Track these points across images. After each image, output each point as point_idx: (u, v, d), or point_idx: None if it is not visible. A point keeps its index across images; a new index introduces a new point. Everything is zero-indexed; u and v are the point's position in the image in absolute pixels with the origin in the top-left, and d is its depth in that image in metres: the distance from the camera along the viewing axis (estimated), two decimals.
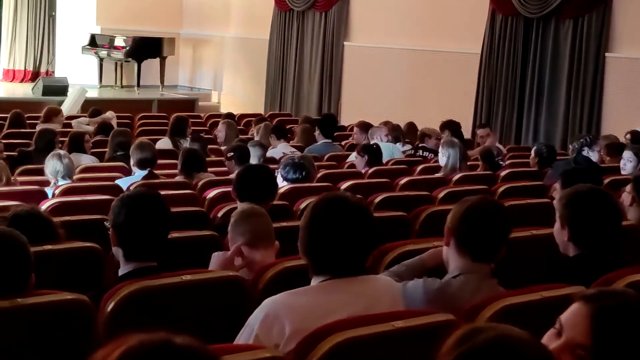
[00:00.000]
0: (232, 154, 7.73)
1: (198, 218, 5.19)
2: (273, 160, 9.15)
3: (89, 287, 3.31)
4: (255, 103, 16.55)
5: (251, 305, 3.12)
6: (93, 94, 15.77)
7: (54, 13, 17.90)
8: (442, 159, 7.48)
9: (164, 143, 9.86)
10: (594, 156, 7.19)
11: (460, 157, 7.38)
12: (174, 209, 5.09)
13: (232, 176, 7.44)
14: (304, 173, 6.70)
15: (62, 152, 7.01)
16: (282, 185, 6.63)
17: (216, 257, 3.57)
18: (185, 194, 6.23)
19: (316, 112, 15.46)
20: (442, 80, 13.86)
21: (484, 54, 13.12)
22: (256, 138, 9.99)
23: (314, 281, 2.88)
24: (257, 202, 4.64)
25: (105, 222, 3.41)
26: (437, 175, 7.36)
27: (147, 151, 7.32)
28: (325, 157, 9.54)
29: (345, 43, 15.33)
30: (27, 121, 11.05)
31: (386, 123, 10.59)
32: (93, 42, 17.29)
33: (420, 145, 9.96)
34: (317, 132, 10.32)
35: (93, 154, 8.78)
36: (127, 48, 16.73)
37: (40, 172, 7.63)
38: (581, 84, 11.98)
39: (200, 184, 6.99)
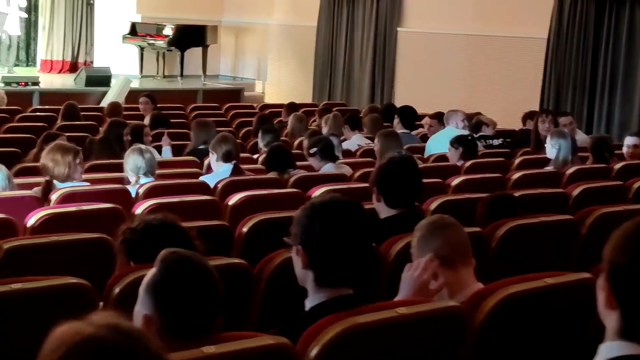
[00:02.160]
0: (314, 149, 7.15)
1: None
2: (349, 153, 8.59)
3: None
4: (302, 93, 15.96)
5: (473, 342, 2.56)
6: (134, 84, 15.22)
7: (92, 2, 17.34)
8: (552, 150, 6.90)
9: None
10: None
11: (572, 149, 6.80)
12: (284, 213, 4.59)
13: (324, 171, 6.92)
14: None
15: (143, 146, 6.45)
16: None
17: (407, 280, 2.94)
18: (288, 193, 5.64)
19: (368, 101, 14.87)
20: (504, 67, 13.25)
21: (551, 39, 12.49)
22: (324, 130, 9.41)
23: None
24: (405, 206, 4.08)
25: (286, 239, 2.76)
26: (547, 169, 6.75)
27: (231, 143, 6.77)
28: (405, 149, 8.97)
29: (398, 29, 14.72)
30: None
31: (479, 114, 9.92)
32: (133, 31, 16.74)
33: (479, 134, 9.36)
34: (396, 122, 9.73)
35: None
36: (170, 37, 16.17)
37: (106, 167, 7.10)
38: None
39: (292, 180, 6.43)
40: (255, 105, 13.34)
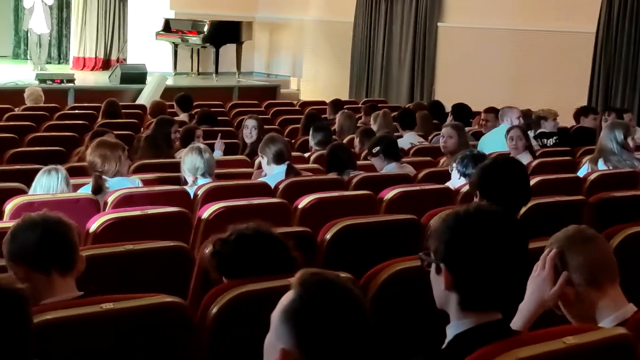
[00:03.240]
0: (377, 148, 6.83)
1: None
2: (402, 152, 8.28)
3: None
4: (338, 90, 15.62)
5: None
6: (168, 82, 14.96)
7: None
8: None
9: None
10: None
11: None
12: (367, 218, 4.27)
13: (386, 171, 6.60)
14: None
15: (202, 145, 6.15)
16: (460, 182, 5.75)
17: (535, 293, 2.63)
18: (358, 195, 5.32)
19: (407, 99, 14.55)
20: (549, 63, 12.88)
21: (599, 33, 12.12)
22: (373, 127, 9.10)
23: None
24: (512, 213, 3.75)
25: (422, 255, 2.37)
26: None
27: (280, 143, 6.43)
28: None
29: (439, 24, 14.39)
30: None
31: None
32: (167, 28, 16.48)
33: (539, 131, 9.01)
34: (449, 119, 9.41)
35: None
36: (205, 33, 15.89)
37: (154, 167, 6.83)
38: None
39: (355, 181, 6.12)
40: (295, 102, 13.03)
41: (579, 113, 9.55)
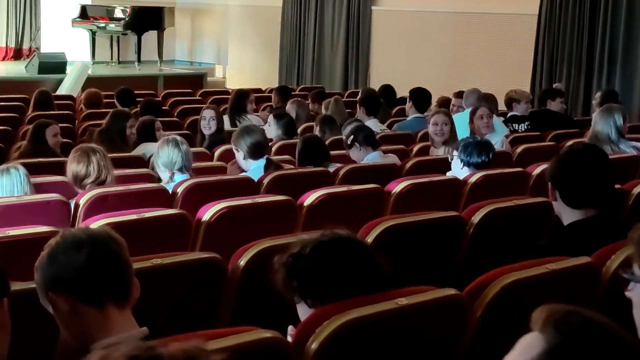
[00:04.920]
0: (354, 137, 6.34)
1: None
2: None
3: None
4: (267, 77, 15.07)
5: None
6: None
7: None
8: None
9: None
10: None
11: None
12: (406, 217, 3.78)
13: (369, 161, 6.11)
14: (490, 155, 5.37)
15: (177, 137, 5.54)
16: (464, 172, 5.31)
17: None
18: (365, 190, 4.81)
19: (341, 85, 14.11)
20: (490, 46, 12.58)
21: (542, 15, 11.85)
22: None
23: None
24: (594, 207, 3.29)
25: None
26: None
27: (257, 134, 5.87)
28: (420, 134, 8.25)
29: (373, 8, 13.95)
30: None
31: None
32: (84, 14, 15.61)
33: (510, 114, 8.66)
34: (408, 105, 8.96)
35: None
36: (126, 19, 15.09)
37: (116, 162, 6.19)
38: None
39: (341, 173, 5.62)
40: (230, 89, 12.41)
41: (546, 96, 9.22)
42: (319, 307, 2.40)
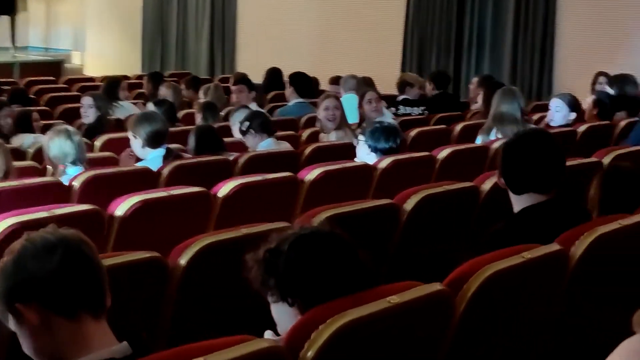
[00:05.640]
0: (250, 124, 6.15)
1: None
2: None
3: None
4: (129, 64, 14.58)
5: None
6: None
7: None
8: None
9: None
10: None
11: None
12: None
13: (264, 148, 5.90)
14: (398, 140, 5.28)
15: (70, 128, 5.20)
16: (371, 158, 5.20)
17: None
18: (280, 178, 4.64)
19: (207, 70, 13.81)
20: (359, 30, 12.56)
21: None
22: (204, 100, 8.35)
23: None
24: (543, 193, 3.22)
25: None
26: None
27: (158, 122, 5.63)
28: (304, 120, 8.12)
29: None
30: None
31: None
32: None
33: (402, 98, 8.65)
34: (289, 91, 8.80)
35: None
36: None
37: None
38: (530, 26, 11.02)
39: (241, 162, 5.42)
40: (96, 77, 11.93)
41: (446, 80, 9.30)
42: (302, 307, 2.22)
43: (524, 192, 3.18)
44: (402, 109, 8.27)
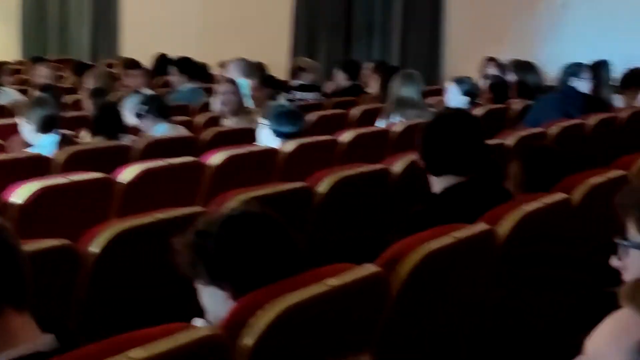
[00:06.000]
0: (146, 107, 5.97)
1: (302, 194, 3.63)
2: None
3: None
4: (5, 49, 14.00)
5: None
6: None
7: None
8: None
9: None
10: (583, 86, 6.30)
11: None
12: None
13: (160, 133, 5.72)
14: (302, 124, 5.20)
15: None
16: (274, 141, 5.10)
17: None
18: (185, 164, 4.49)
19: (89, 55, 13.41)
20: (245, 13, 12.41)
21: None
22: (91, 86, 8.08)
23: None
24: (463, 174, 3.18)
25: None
26: None
27: (51, 106, 5.43)
28: (198, 105, 7.95)
29: None
30: None
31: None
32: None
33: (297, 83, 8.57)
34: (175, 76, 8.61)
35: None
36: None
37: None
38: (419, 11, 11.09)
39: (139, 147, 5.24)
40: None
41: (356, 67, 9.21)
42: (234, 290, 2.12)
43: (445, 173, 3.14)
44: (299, 95, 8.17)
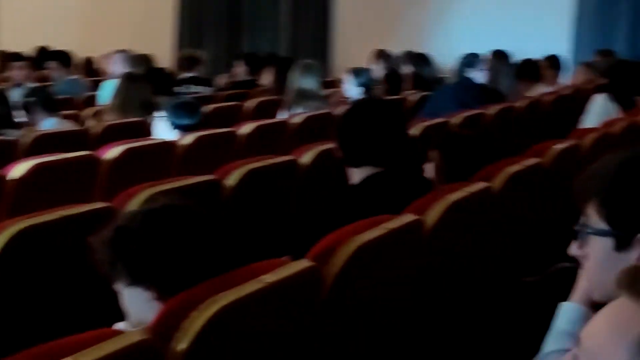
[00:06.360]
0: (34, 99, 5.70)
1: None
2: None
3: None
4: None
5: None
6: None
7: None
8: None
9: None
10: (479, 76, 6.31)
11: None
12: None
13: (48, 128, 5.43)
14: (200, 116, 5.03)
15: None
16: (171, 134, 4.92)
17: None
18: (82, 157, 4.26)
19: None
20: (130, 3, 12.12)
21: None
22: None
23: None
24: (380, 164, 3.07)
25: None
26: None
27: None
28: (82, 99, 7.69)
29: None
30: None
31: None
32: None
33: (189, 76, 8.34)
34: (54, 69, 8.30)
35: None
36: None
37: None
38: (308, 3, 11.04)
39: (26, 142, 4.98)
40: None
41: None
42: (159, 290, 1.95)
43: (363, 164, 3.04)
44: (193, 88, 7.96)
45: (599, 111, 5.37)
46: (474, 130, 3.62)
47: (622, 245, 1.61)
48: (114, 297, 2.08)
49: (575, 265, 3.17)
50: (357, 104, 3.22)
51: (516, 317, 3.09)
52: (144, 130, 5.46)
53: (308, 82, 5.90)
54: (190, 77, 8.19)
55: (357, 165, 3.05)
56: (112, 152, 4.36)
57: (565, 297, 2.05)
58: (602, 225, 1.64)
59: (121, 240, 2.01)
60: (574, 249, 1.74)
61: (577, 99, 6.61)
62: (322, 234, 2.66)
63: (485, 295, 3.05)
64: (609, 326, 1.14)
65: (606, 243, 1.64)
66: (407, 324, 2.58)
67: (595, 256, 1.67)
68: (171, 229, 2.02)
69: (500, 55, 6.61)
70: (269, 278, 1.96)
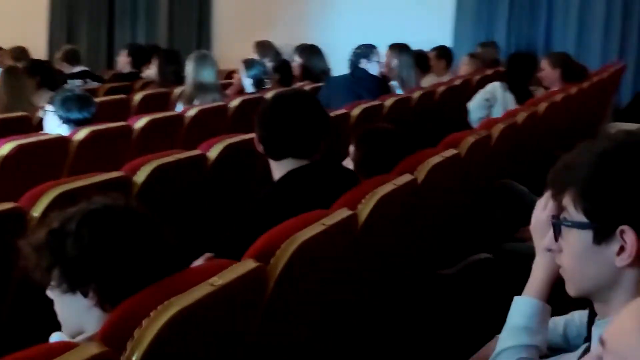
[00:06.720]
0: None
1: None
2: None
3: None
4: None
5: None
6: None
7: None
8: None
9: None
10: (373, 68, 6.28)
11: None
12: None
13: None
14: (92, 110, 4.81)
15: None
16: (62, 128, 4.69)
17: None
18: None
19: None
20: None
21: None
22: None
23: None
24: (302, 157, 2.97)
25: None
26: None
27: None
28: None
29: None
30: None
31: None
32: None
33: (79, 70, 8.03)
34: None
35: None
36: None
37: None
38: None
39: None
40: None
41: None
42: (100, 296, 1.83)
43: (285, 157, 2.95)
44: (90, 83, 7.66)
45: (497, 98, 5.46)
46: (393, 124, 3.56)
47: (601, 238, 1.57)
48: (44, 306, 1.93)
49: (490, 257, 3.16)
50: (277, 97, 3.12)
51: (434, 310, 3.07)
52: (31, 125, 5.21)
53: (205, 74, 5.75)
54: (82, 71, 7.89)
55: (279, 158, 2.96)
56: (2, 150, 4.12)
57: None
58: (580, 217, 1.59)
59: (59, 244, 1.86)
60: (548, 243, 1.69)
61: (467, 90, 6.68)
62: (247, 230, 2.57)
63: (409, 289, 3.02)
64: (638, 327, 1.09)
65: (585, 236, 1.58)
66: (346, 319, 2.51)
67: (573, 250, 1.62)
68: (111, 230, 1.90)
69: (400, 47, 6.60)
70: (218, 281, 1.85)
